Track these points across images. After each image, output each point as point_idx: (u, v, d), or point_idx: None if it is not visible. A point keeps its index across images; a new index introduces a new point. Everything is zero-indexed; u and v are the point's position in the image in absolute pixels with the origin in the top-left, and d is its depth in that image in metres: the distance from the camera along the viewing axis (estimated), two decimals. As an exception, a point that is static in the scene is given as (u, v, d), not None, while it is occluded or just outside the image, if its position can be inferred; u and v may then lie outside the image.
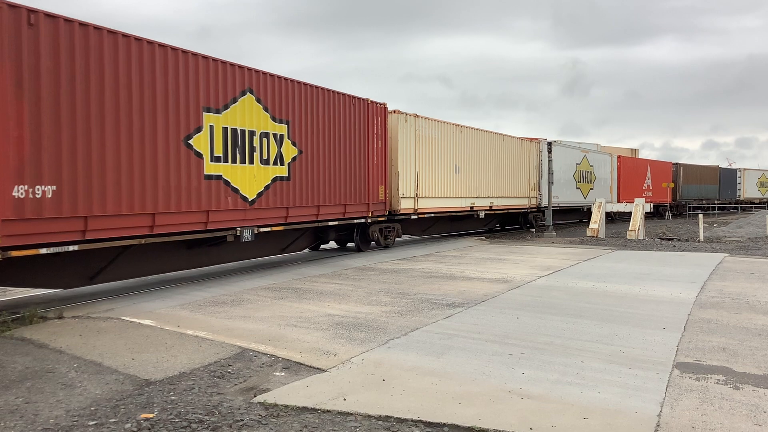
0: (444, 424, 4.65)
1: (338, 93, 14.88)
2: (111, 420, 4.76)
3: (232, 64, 11.64)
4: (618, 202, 34.43)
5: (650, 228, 28.17)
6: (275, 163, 12.83)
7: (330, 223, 14.96)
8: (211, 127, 11.15)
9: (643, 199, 24.79)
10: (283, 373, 5.95)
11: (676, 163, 45.35)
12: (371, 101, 16.30)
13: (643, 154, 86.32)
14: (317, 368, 6.06)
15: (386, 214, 17.10)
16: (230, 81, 11.58)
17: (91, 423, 4.70)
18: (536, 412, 4.90)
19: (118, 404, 5.11)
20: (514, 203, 24.98)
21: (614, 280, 11.79)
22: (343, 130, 15.12)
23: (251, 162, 12.18)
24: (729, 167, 58.45)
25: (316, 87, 14.06)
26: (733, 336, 7.40)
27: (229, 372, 5.99)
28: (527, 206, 26.13)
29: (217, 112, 11.28)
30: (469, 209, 21.49)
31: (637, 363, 6.22)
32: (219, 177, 11.34)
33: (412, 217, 18.26)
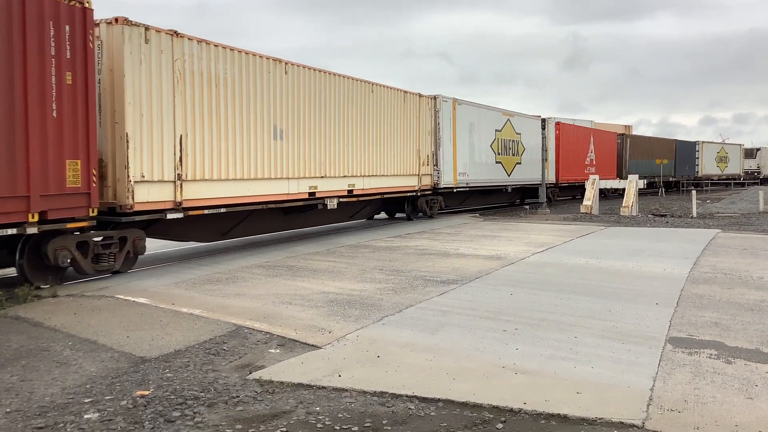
0: (438, 400, 4.68)
1: None
2: (107, 397, 4.77)
3: None
4: (557, 180, 29.36)
5: (642, 204, 28.25)
6: None
7: None
8: None
9: (636, 176, 24.83)
10: (278, 350, 5.97)
11: (622, 135, 39.66)
12: None
13: (640, 131, 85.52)
14: (312, 345, 6.08)
15: (93, 215, 9.05)
16: None
17: (87, 400, 4.71)
18: (530, 387, 4.94)
19: (113, 381, 5.11)
20: (396, 184, 17.79)
21: (607, 256, 11.84)
22: None
23: None
24: (687, 140, 51.95)
25: None
26: (725, 311, 7.46)
27: (224, 349, 6.00)
28: (417, 188, 18.93)
29: None
30: (307, 196, 13.96)
31: (630, 338, 6.27)
32: None
33: (169, 216, 10.46)
